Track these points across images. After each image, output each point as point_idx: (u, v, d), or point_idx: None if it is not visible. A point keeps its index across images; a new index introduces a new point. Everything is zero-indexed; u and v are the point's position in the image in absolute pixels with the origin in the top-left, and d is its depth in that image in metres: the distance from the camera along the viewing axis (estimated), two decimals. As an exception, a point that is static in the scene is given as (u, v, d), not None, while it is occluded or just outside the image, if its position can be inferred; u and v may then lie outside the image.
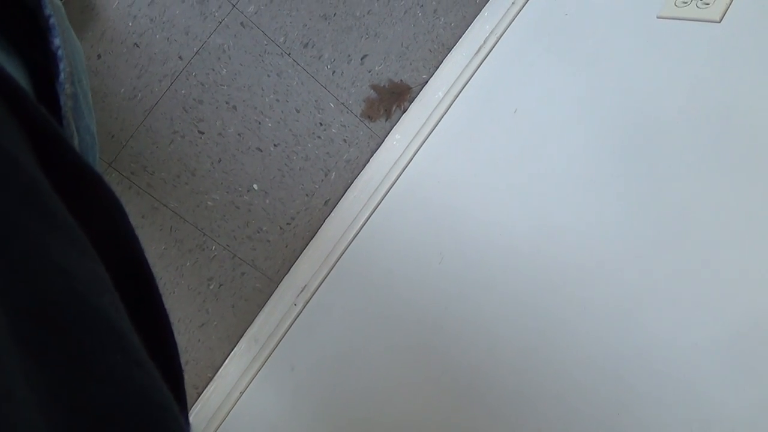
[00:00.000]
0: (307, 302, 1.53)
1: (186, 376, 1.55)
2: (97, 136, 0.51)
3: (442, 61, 1.68)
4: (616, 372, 0.95)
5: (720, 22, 1.18)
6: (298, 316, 1.53)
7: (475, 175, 1.39)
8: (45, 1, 0.43)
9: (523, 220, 1.24)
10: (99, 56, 1.36)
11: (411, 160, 1.55)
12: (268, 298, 1.61)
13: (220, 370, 1.59)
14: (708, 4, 1.21)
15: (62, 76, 0.43)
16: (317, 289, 1.53)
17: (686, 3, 1.25)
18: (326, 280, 1.53)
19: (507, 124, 1.41)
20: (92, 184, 0.33)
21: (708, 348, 0.87)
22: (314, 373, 1.42)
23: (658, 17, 1.29)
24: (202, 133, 1.47)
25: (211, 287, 1.55)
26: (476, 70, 1.57)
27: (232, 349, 1.60)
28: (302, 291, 1.55)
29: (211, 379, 1.59)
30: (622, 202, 1.10)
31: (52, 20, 0.43)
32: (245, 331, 1.60)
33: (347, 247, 1.54)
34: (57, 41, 0.43)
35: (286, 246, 1.61)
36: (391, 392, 1.26)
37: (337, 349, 1.41)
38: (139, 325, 0.31)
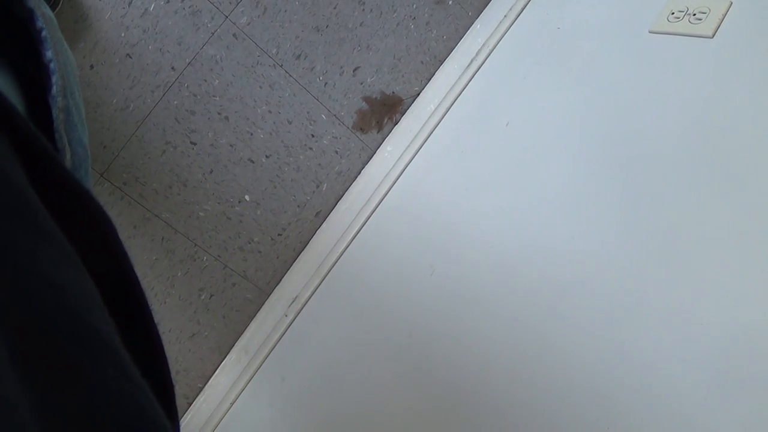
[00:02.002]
0: (298, 313, 1.53)
1: (176, 386, 1.54)
2: (89, 149, 0.51)
3: (434, 74, 1.68)
4: (606, 387, 0.95)
5: (713, 37, 1.18)
6: (288, 327, 1.52)
7: (466, 188, 1.39)
8: (37, 14, 0.42)
9: (514, 233, 1.24)
10: (92, 66, 1.36)
11: (402, 172, 1.56)
12: (259, 309, 1.61)
13: (211, 380, 1.58)
14: (700, 19, 1.21)
15: (54, 89, 0.43)
16: (308, 300, 1.53)
17: (678, 18, 1.25)
18: (317, 291, 1.53)
19: (499, 137, 1.41)
20: (80, 200, 0.33)
21: (697, 363, 0.87)
22: (305, 384, 1.41)
23: (650, 32, 1.30)
24: (194, 143, 1.47)
25: (202, 297, 1.54)
26: (468, 83, 1.58)
27: (223, 360, 1.59)
28: (293, 302, 1.54)
29: (201, 389, 1.58)
30: (613, 216, 1.11)
31: (44, 33, 0.43)
32: (236, 342, 1.60)
33: (338, 259, 1.54)
34: (49, 54, 0.43)
35: (277, 257, 1.61)
36: (382, 403, 1.25)
37: (327, 361, 1.41)
38: (129, 340, 0.31)
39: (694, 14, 1.22)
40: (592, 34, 1.42)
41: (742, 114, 1.05)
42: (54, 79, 0.43)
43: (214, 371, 1.59)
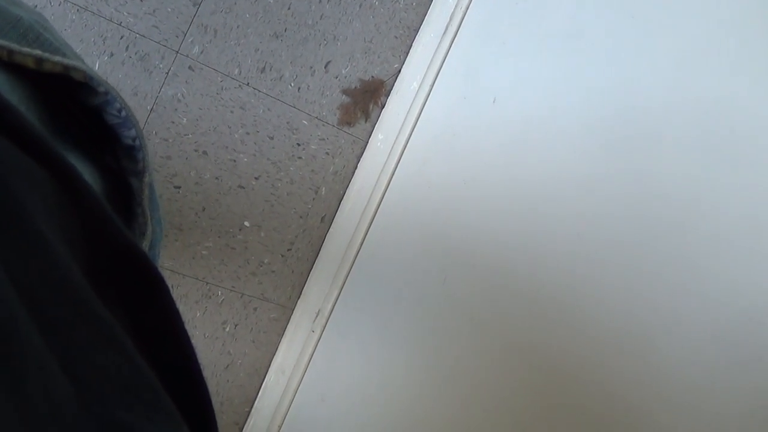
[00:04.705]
0: (324, 327, 1.50)
1: (224, 416, 1.56)
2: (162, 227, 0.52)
3: (411, 45, 1.56)
4: (622, 393, 0.91)
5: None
6: (318, 343, 1.51)
7: (463, 176, 1.32)
8: (113, 95, 0.43)
9: (517, 222, 1.18)
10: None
11: (399, 161, 1.47)
12: (286, 325, 1.59)
13: (256, 404, 1.60)
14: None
15: (140, 165, 0.44)
16: (331, 312, 1.50)
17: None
18: (338, 302, 1.50)
19: (487, 116, 1.32)
20: (142, 268, 0.32)
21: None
22: (344, 401, 1.41)
23: (629, -26, 1.17)
24: (179, 187, 1.41)
25: (227, 329, 1.53)
26: (447, 53, 1.46)
27: (263, 382, 1.60)
28: (317, 316, 1.52)
29: (248, 413, 1.60)
30: (617, 191, 1.04)
31: (124, 112, 0.43)
32: (271, 362, 1.60)
33: (353, 264, 1.49)
34: (133, 132, 0.44)
35: (292, 271, 1.57)
36: (419, 414, 1.24)
37: (360, 374, 1.39)
38: (189, 419, 0.29)
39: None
40: (568, -17, 1.28)
41: (743, 68, 0.95)
42: (140, 155, 0.44)
43: (257, 394, 1.60)
